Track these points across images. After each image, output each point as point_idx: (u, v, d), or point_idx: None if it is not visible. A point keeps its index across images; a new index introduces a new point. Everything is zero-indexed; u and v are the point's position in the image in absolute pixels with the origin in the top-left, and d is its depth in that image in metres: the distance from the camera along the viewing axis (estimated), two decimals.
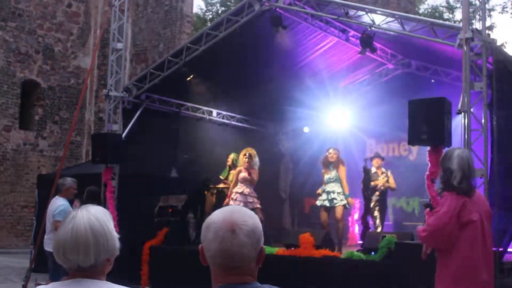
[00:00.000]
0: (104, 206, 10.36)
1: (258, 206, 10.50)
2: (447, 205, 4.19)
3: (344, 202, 10.25)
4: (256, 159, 10.66)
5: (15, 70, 17.59)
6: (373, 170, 11.11)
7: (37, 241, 9.93)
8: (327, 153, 10.50)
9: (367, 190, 10.87)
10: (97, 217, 2.02)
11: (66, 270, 2.04)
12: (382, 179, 10.93)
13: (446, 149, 4.83)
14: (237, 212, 1.84)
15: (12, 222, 17.42)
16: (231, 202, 10.37)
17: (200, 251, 1.86)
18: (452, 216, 4.13)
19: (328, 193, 10.31)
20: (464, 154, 4.28)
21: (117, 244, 2.05)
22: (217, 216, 1.84)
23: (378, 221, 10.78)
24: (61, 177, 8.77)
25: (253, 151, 10.71)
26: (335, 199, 10.19)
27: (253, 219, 1.83)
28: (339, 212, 10.21)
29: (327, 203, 10.28)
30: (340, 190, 10.28)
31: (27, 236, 16.79)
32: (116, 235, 2.05)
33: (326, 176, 10.42)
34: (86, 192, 9.55)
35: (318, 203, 10.46)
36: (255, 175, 10.60)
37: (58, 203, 8.18)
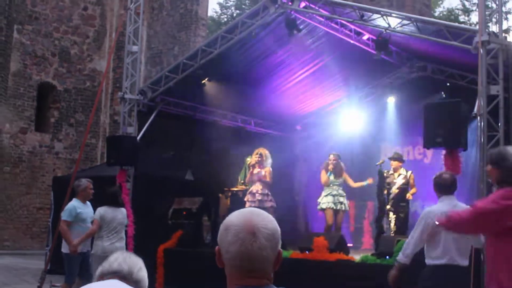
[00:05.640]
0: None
1: (270, 205, 10.62)
2: (498, 194, 3.92)
3: (346, 208, 10.84)
4: (269, 160, 10.85)
5: (31, 73, 17.73)
6: (390, 171, 10.82)
7: (52, 242, 9.98)
8: (328, 160, 10.96)
9: (382, 193, 10.82)
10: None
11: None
12: (399, 181, 10.75)
13: (497, 149, 4.56)
14: (256, 214, 1.83)
15: (28, 224, 17.53)
16: (247, 204, 10.53)
17: (216, 253, 1.85)
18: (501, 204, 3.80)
19: (334, 196, 10.56)
20: None
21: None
22: (236, 218, 1.82)
23: (392, 224, 10.65)
24: (76, 179, 8.49)
25: (264, 151, 10.89)
26: (341, 203, 10.57)
27: (272, 223, 1.83)
28: (340, 218, 10.71)
29: (333, 206, 10.60)
30: (344, 193, 10.78)
31: (43, 238, 16.89)
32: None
33: (331, 179, 10.79)
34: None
35: (323, 206, 10.63)
36: (268, 174, 10.75)
37: (69, 203, 7.94)
